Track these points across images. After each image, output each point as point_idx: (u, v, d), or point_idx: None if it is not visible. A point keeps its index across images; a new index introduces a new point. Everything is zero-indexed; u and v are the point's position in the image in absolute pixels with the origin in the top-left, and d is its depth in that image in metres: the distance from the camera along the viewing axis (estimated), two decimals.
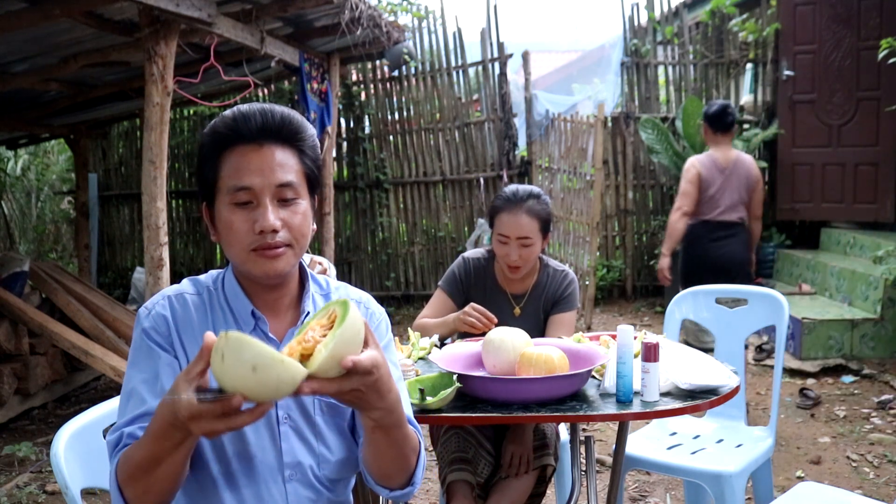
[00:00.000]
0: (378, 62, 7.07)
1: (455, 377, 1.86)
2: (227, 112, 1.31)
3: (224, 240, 1.31)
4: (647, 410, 1.82)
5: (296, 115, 1.32)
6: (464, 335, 2.36)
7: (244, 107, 1.30)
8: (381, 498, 2.21)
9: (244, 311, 1.34)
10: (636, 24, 6.87)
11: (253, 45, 4.38)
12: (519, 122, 7.12)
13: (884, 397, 4.20)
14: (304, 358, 1.06)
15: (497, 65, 6.96)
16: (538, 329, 2.42)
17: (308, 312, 1.39)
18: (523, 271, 2.39)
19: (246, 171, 1.26)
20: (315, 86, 5.52)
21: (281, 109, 1.30)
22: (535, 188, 2.45)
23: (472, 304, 2.30)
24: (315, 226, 1.37)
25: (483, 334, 2.22)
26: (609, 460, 3.40)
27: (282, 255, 1.28)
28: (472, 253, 2.53)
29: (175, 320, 1.30)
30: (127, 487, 1.18)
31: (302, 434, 1.34)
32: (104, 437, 1.57)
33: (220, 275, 1.39)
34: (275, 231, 1.26)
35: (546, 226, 2.39)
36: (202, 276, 1.40)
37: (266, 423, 1.32)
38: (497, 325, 2.18)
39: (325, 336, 1.08)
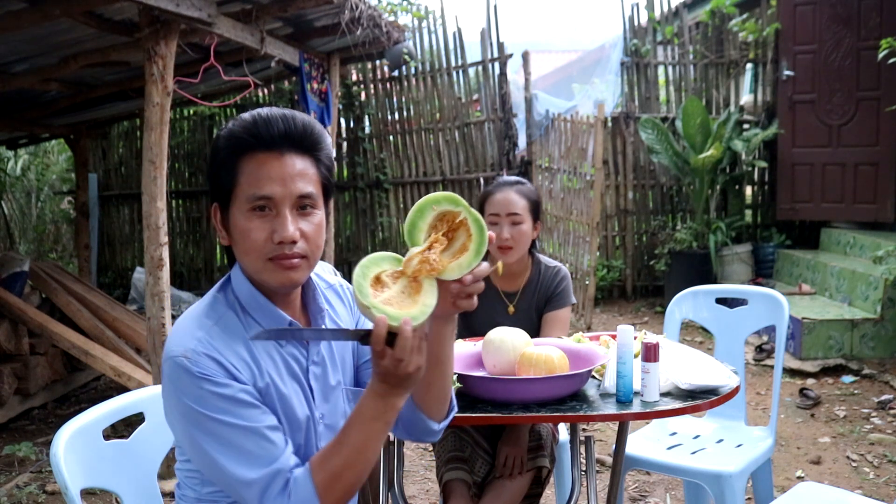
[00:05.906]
0: (378, 62, 7.07)
1: (455, 377, 1.86)
2: (247, 115, 1.27)
3: (239, 247, 1.28)
4: (647, 410, 1.82)
5: (316, 123, 1.31)
6: (463, 335, 2.37)
7: (264, 111, 1.26)
8: (380, 497, 2.22)
9: (281, 322, 1.31)
10: (636, 24, 6.87)
11: (253, 45, 4.38)
12: (519, 122, 7.11)
13: (884, 397, 4.20)
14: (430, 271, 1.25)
15: (497, 65, 6.96)
16: (533, 327, 2.42)
17: (324, 311, 1.39)
18: (516, 254, 2.37)
19: (266, 179, 1.24)
20: (315, 86, 5.52)
21: (302, 117, 1.28)
22: (521, 178, 2.49)
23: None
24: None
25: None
26: (609, 460, 3.40)
27: (298, 266, 1.27)
28: None
29: (220, 353, 1.24)
30: (329, 492, 1.21)
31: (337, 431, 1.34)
32: (104, 437, 1.57)
33: (228, 290, 1.33)
34: (293, 242, 1.24)
35: (535, 208, 2.41)
36: (204, 306, 1.31)
37: (304, 425, 1.32)
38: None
39: (436, 251, 1.30)
